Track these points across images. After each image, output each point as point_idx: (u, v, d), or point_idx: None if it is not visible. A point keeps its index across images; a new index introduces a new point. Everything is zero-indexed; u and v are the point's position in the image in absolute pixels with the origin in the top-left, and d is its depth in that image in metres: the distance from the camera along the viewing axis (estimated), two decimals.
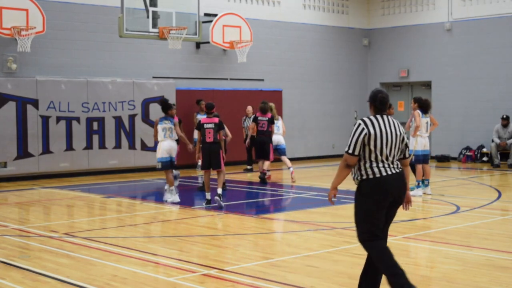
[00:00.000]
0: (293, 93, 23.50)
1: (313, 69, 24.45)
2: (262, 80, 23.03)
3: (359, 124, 6.29)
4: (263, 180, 16.91)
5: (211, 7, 21.23)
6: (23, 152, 17.85)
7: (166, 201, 13.76)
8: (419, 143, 14.48)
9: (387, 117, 6.42)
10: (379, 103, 6.43)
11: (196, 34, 18.79)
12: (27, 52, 17.37)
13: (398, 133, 6.38)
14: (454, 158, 23.32)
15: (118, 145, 19.22)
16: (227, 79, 22.19)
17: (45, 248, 9.45)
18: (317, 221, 11.68)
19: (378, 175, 6.25)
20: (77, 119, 18.68)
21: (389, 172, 6.28)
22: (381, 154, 6.27)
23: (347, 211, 12.71)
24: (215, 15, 21.09)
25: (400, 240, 9.97)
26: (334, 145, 24.75)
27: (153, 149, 19.98)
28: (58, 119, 18.37)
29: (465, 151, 23.09)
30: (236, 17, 21.38)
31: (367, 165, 6.28)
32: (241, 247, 9.61)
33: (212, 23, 20.79)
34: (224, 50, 21.78)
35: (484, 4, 22.81)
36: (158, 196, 14.90)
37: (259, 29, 22.45)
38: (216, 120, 13.24)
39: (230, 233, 10.74)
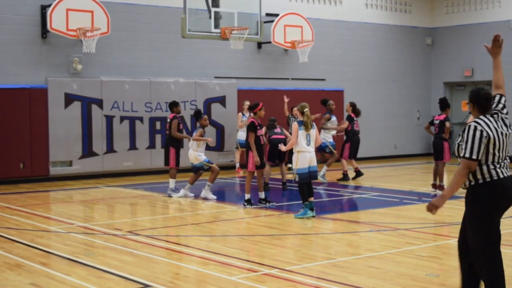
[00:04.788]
0: (355, 93, 23.32)
1: (375, 69, 24.24)
2: (324, 80, 22.94)
3: (476, 127, 5.85)
4: None
5: (273, 7, 21.24)
6: (88, 151, 18.18)
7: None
8: None
9: (497, 115, 6.02)
10: (484, 100, 5.97)
11: (257, 34, 18.83)
12: (92, 53, 17.66)
13: (506, 132, 6.00)
14: None
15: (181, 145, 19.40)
16: (288, 79, 22.17)
17: (109, 246, 9.60)
18: (379, 221, 11.57)
19: (495, 177, 5.86)
20: (140, 119, 18.93)
21: (505, 175, 5.92)
22: (498, 156, 5.91)
23: (409, 212, 12.56)
24: (277, 15, 21.10)
25: None
26: (396, 145, 24.49)
27: (215, 149, 20.11)
28: (122, 118, 18.65)
29: None
30: (297, 16, 21.36)
31: (484, 168, 5.88)
32: (303, 247, 9.60)
33: (274, 23, 20.81)
34: (286, 50, 21.77)
35: None
36: (220, 196, 14.97)
37: (321, 29, 22.36)
38: (249, 122, 13.42)
39: (291, 233, 10.72)
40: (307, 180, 11.88)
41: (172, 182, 14.87)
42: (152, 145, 19.05)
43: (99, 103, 18.27)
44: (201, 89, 19.90)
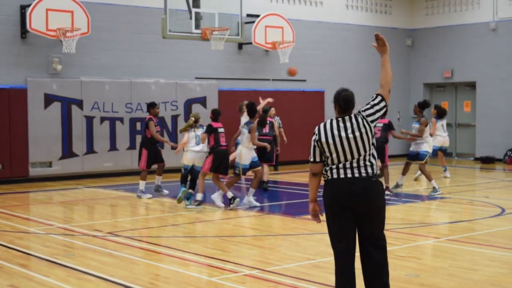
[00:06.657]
0: None
1: (356, 70, 24.31)
2: (304, 81, 22.97)
3: (314, 131, 6.07)
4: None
5: (254, 8, 21.25)
6: (67, 152, 18.09)
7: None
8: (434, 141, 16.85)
9: (349, 117, 5.99)
10: (343, 102, 6.01)
11: (238, 35, 18.83)
12: (72, 53, 17.58)
13: (352, 136, 5.92)
14: (499, 160, 22.96)
15: (161, 146, 19.29)
16: (269, 79, 22.18)
17: (89, 247, 9.56)
18: None
19: (330, 177, 6.00)
20: (121, 120, 18.87)
21: (342, 176, 5.93)
22: (338, 158, 5.94)
23: (389, 213, 12.61)
24: (258, 15, 21.11)
25: (444, 242, 9.87)
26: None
27: None
28: (102, 119, 18.57)
29: (510, 152, 22.72)
30: (278, 17, 21.38)
31: (326, 169, 6.04)
32: (283, 247, 9.61)
33: (255, 24, 20.81)
34: (266, 51, 21.78)
35: None
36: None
37: (302, 30, 22.40)
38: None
39: (272, 234, 10.74)
40: (186, 174, 13.61)
41: (142, 184, 14.73)
42: (132, 146, 18.98)
43: (79, 103, 18.19)
44: (182, 90, 19.87)
